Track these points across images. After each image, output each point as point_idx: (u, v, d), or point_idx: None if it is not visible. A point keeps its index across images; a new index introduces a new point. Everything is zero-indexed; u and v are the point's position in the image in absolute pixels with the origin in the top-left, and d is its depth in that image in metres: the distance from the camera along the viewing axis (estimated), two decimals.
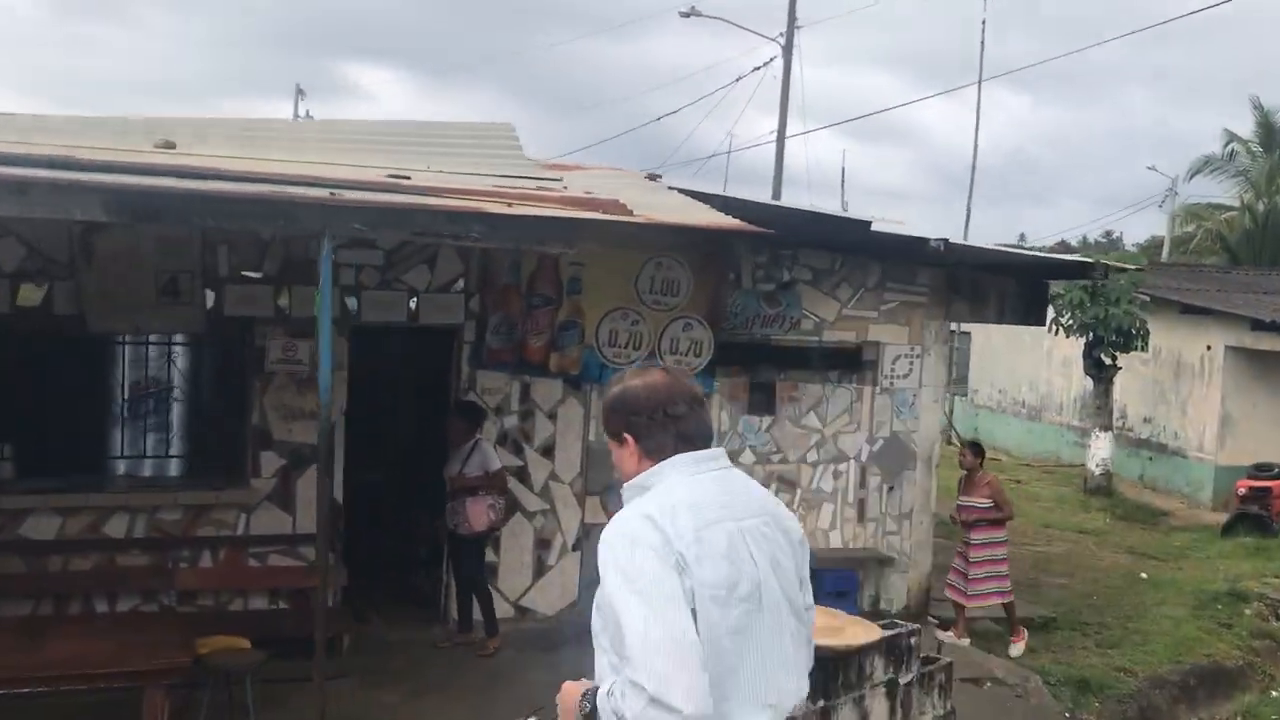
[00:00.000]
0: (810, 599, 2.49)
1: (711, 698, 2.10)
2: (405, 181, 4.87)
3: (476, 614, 8.12)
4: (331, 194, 4.44)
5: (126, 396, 10.12)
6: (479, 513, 7.91)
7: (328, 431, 4.66)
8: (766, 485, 9.18)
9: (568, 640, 8.69)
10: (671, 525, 2.20)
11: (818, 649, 4.48)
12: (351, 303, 7.95)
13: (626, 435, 2.39)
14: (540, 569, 8.62)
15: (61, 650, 5.26)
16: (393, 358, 9.39)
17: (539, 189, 5.28)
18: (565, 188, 5.61)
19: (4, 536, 7.16)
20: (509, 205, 4.65)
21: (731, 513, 2.29)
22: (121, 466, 10.16)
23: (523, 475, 8.51)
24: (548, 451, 8.59)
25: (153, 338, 8.67)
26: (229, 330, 7.80)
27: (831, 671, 4.72)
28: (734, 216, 6.16)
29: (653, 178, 7.70)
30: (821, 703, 4.67)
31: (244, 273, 7.64)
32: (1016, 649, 9.04)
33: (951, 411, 20.18)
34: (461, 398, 8.29)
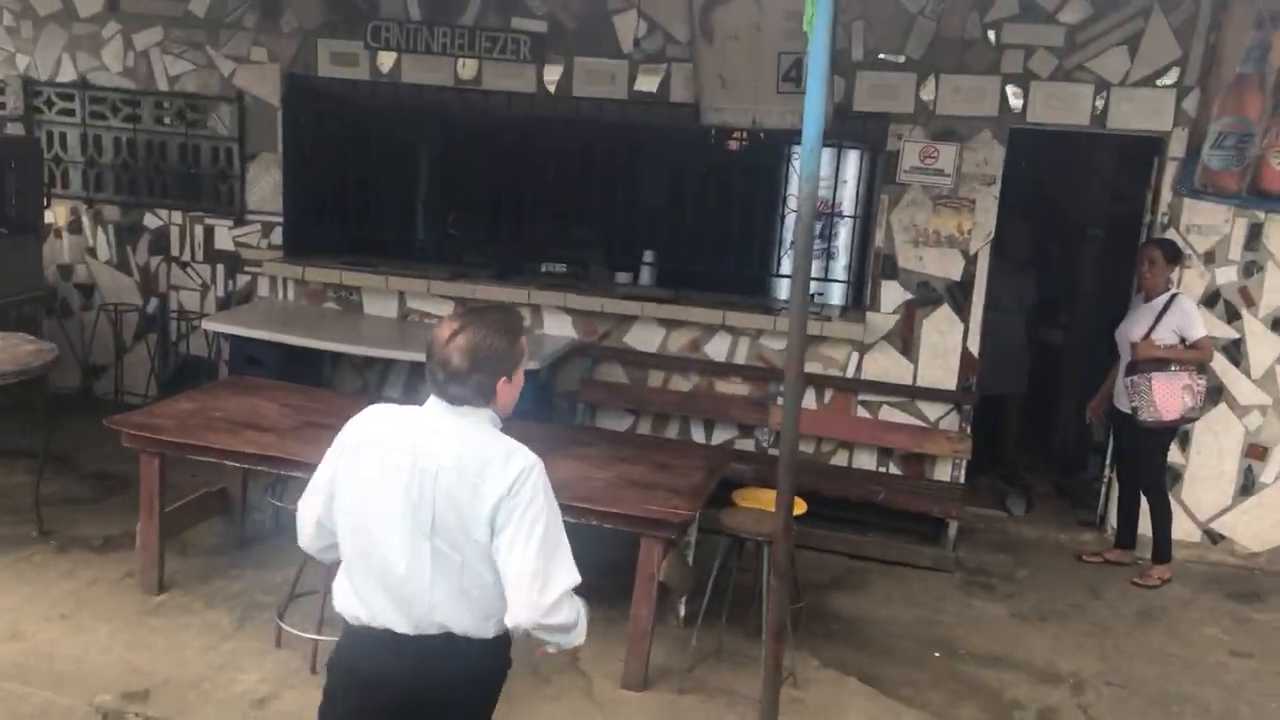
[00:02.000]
0: (495, 539, 2.47)
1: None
2: None
3: (1144, 528, 6.01)
4: None
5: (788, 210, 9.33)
6: (1170, 395, 5.71)
7: (807, 232, 3.03)
8: None
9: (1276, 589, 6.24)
10: (367, 425, 2.61)
11: None
12: (1014, 97, 6.06)
13: None
14: (1248, 485, 6.16)
15: (567, 472, 4.46)
16: (1069, 173, 7.31)
17: None
18: None
19: (610, 342, 6.72)
20: None
21: (414, 449, 2.50)
22: (783, 288, 9.46)
23: (1234, 354, 6.04)
24: (1279, 324, 5.98)
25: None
26: (858, 129, 6.39)
27: None
28: None
29: None
30: None
31: (882, 55, 6.17)
32: None
33: None
34: (1158, 235, 6.04)
